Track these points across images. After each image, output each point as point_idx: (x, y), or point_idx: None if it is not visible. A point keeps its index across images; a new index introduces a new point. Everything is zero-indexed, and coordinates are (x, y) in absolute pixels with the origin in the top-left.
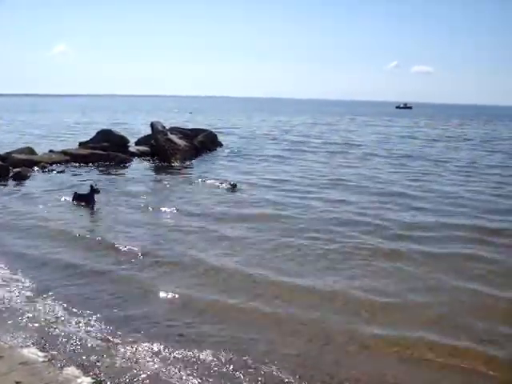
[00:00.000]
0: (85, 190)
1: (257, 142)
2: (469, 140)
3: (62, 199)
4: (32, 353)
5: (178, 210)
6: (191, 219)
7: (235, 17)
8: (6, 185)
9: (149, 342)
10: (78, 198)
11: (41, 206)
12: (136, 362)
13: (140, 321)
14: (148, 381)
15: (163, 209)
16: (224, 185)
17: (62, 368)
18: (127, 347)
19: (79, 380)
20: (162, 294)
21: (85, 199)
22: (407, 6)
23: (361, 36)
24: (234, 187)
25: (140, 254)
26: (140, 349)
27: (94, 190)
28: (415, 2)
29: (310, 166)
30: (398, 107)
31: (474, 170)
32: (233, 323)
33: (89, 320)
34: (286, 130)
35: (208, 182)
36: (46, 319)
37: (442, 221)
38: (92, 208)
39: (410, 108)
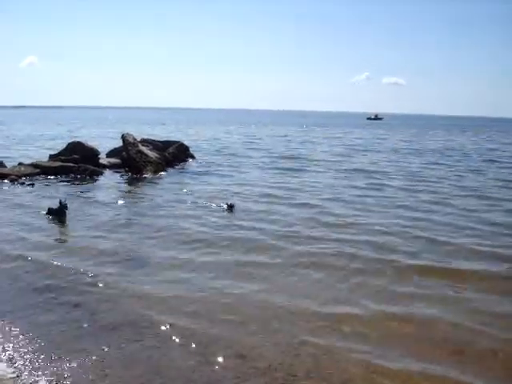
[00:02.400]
0: (55, 204)
1: (230, 153)
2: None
3: (32, 215)
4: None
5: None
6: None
7: (216, 26)
8: None
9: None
10: (50, 212)
11: (12, 224)
12: None
13: None
14: None
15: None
16: (216, 205)
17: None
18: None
19: None
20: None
21: (56, 214)
22: (379, 18)
23: (331, 47)
24: (230, 207)
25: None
26: None
27: (63, 206)
28: (387, 14)
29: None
30: (369, 118)
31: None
32: None
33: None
34: (255, 143)
35: (198, 199)
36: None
37: None
38: (63, 223)
39: (381, 119)
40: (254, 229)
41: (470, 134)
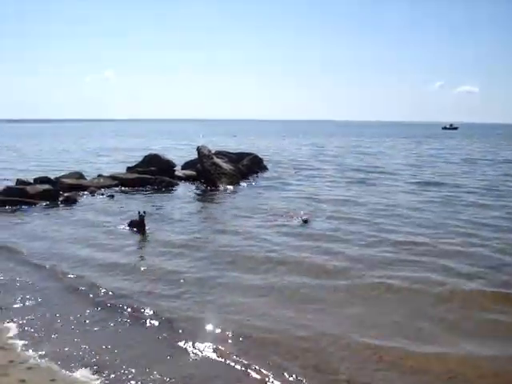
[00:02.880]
0: (135, 216)
1: (301, 166)
2: None
3: (115, 226)
4: (84, 376)
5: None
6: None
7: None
8: (56, 209)
9: None
10: (131, 224)
11: (93, 233)
12: None
13: None
14: None
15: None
16: (289, 217)
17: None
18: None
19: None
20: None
21: (137, 225)
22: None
23: (405, 56)
24: (305, 222)
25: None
26: None
27: (142, 218)
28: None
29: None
30: (444, 128)
31: None
32: None
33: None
34: (325, 154)
35: (265, 211)
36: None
37: None
38: (143, 234)
39: (456, 129)
40: (327, 250)
41: None
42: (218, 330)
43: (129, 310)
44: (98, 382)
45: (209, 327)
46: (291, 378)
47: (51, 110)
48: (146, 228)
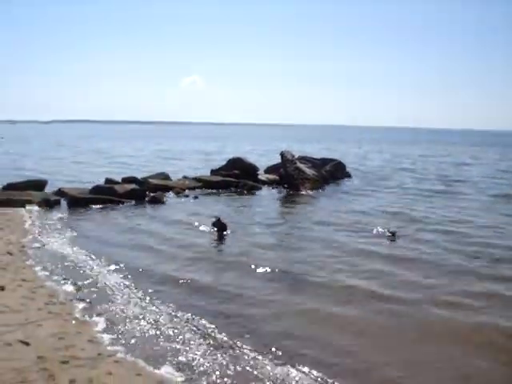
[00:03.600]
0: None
1: (385, 174)
2: None
3: (201, 227)
4: (168, 372)
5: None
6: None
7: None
8: (144, 208)
9: None
10: (216, 224)
11: (182, 233)
12: None
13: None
14: None
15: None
16: (378, 230)
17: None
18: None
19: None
20: None
21: (220, 227)
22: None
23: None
24: (393, 235)
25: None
26: None
27: (220, 222)
28: None
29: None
30: None
31: None
32: None
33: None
34: (411, 162)
35: (350, 220)
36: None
37: None
38: (223, 237)
39: None
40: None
41: None
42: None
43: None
44: (183, 378)
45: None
46: None
47: (138, 112)
48: (228, 231)
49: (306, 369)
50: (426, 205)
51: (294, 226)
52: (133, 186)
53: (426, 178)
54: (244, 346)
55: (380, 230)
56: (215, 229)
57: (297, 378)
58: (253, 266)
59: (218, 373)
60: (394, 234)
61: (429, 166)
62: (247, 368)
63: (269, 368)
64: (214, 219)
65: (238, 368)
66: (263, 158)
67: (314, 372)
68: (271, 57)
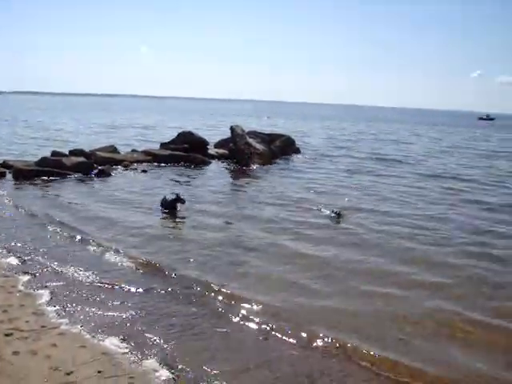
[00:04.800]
0: (167, 193)
1: (332, 150)
2: None
3: (147, 204)
4: (113, 344)
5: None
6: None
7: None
8: (91, 181)
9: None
10: (165, 203)
11: (127, 211)
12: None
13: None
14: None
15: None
16: (321, 210)
17: (141, 360)
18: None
19: (157, 373)
20: None
21: (170, 206)
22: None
23: (442, 44)
24: (338, 216)
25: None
26: None
27: (179, 200)
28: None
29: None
30: (480, 118)
31: None
32: None
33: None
34: (354, 140)
35: (298, 202)
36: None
37: None
38: (175, 215)
39: (493, 119)
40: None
41: None
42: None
43: (159, 280)
44: (127, 349)
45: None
46: None
47: (86, 84)
48: (178, 209)
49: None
50: (366, 183)
51: (241, 204)
52: (80, 158)
53: (367, 156)
54: (191, 319)
55: (323, 210)
56: (163, 208)
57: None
58: (199, 243)
59: (162, 343)
60: (339, 214)
61: (369, 144)
62: (193, 341)
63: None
64: (168, 196)
65: (184, 339)
66: (212, 132)
67: None
68: (219, 31)
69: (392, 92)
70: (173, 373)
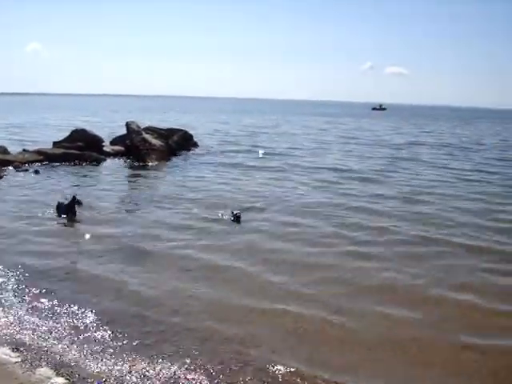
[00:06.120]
0: (61, 195)
1: (230, 143)
2: None
3: (41, 213)
4: (4, 353)
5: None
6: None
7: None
8: None
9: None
10: (59, 208)
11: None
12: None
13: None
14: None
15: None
16: (222, 214)
17: (34, 368)
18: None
19: (52, 380)
20: None
21: (67, 210)
22: (380, 7)
23: (333, 36)
24: (237, 219)
25: None
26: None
27: (75, 202)
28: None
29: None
30: (374, 108)
31: None
32: None
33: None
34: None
35: (193, 201)
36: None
37: None
38: (72, 219)
39: (385, 109)
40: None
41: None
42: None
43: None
44: (19, 359)
45: None
46: None
47: None
48: (76, 213)
49: None
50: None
51: (133, 206)
52: None
53: (273, 152)
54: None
55: (222, 212)
56: (59, 214)
57: None
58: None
59: (59, 351)
60: (238, 217)
61: (259, 139)
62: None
63: (111, 342)
64: (63, 200)
65: (82, 343)
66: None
67: None
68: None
69: (291, 85)
70: (67, 379)
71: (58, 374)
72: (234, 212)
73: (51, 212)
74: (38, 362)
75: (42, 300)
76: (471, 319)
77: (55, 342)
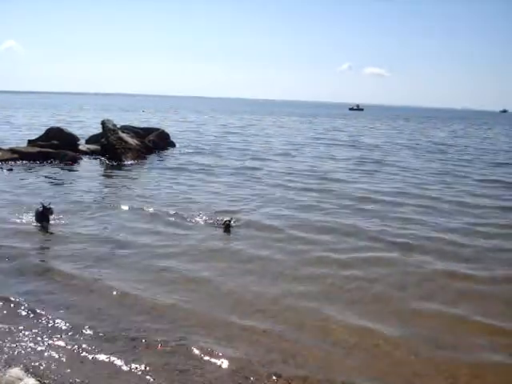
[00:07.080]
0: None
1: (206, 144)
2: None
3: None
4: None
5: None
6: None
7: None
8: None
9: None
10: (37, 216)
11: None
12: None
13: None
14: None
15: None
16: (213, 220)
17: (5, 369)
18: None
19: (23, 382)
20: None
21: (41, 218)
22: (359, 7)
23: (312, 37)
24: (227, 227)
25: None
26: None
27: (47, 210)
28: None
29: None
30: (351, 109)
31: None
32: None
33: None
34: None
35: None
36: None
37: None
38: (45, 227)
39: (362, 110)
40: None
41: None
42: None
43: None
44: None
45: None
46: None
47: None
48: (51, 221)
49: None
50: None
51: (108, 206)
52: None
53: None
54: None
55: (205, 218)
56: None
57: None
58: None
59: (31, 352)
60: (228, 225)
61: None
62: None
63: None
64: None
65: (54, 344)
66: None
67: None
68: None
69: (269, 86)
70: (39, 380)
71: (29, 375)
72: (225, 219)
73: (23, 211)
74: (9, 363)
75: (13, 300)
76: None
77: (27, 342)
